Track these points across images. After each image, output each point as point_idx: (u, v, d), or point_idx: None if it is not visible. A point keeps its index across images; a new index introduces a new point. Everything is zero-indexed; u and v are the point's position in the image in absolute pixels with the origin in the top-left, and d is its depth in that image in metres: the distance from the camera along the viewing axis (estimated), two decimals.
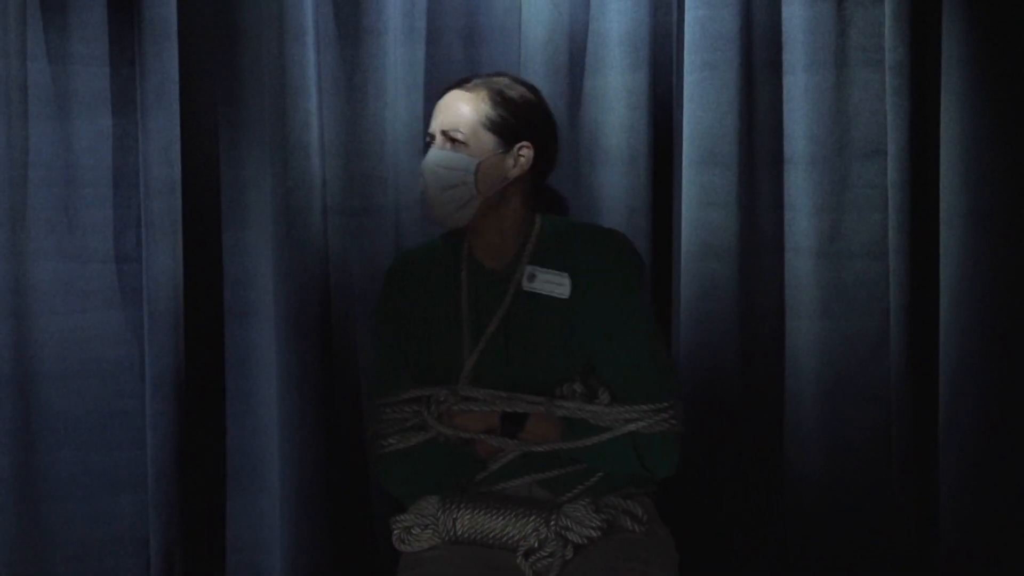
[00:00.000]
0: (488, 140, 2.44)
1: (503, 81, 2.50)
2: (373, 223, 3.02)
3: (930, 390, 2.87)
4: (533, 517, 2.36)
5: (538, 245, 2.48)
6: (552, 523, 2.34)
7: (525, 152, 2.46)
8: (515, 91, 2.48)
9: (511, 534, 2.36)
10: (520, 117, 2.46)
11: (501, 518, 2.38)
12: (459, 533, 2.39)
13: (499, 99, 2.45)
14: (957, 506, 2.84)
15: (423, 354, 2.48)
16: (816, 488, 2.95)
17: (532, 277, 2.45)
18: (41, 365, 2.93)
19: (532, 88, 2.53)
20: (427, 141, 2.49)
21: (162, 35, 2.88)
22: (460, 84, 2.49)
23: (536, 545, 2.34)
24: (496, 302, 2.46)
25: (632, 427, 2.37)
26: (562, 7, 2.98)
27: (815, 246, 2.94)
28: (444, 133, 2.44)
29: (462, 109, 2.45)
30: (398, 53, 3.01)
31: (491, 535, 2.38)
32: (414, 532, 2.41)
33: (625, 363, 2.41)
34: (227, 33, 2.94)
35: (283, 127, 2.92)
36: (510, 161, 2.46)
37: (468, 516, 2.39)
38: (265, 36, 2.91)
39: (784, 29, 2.95)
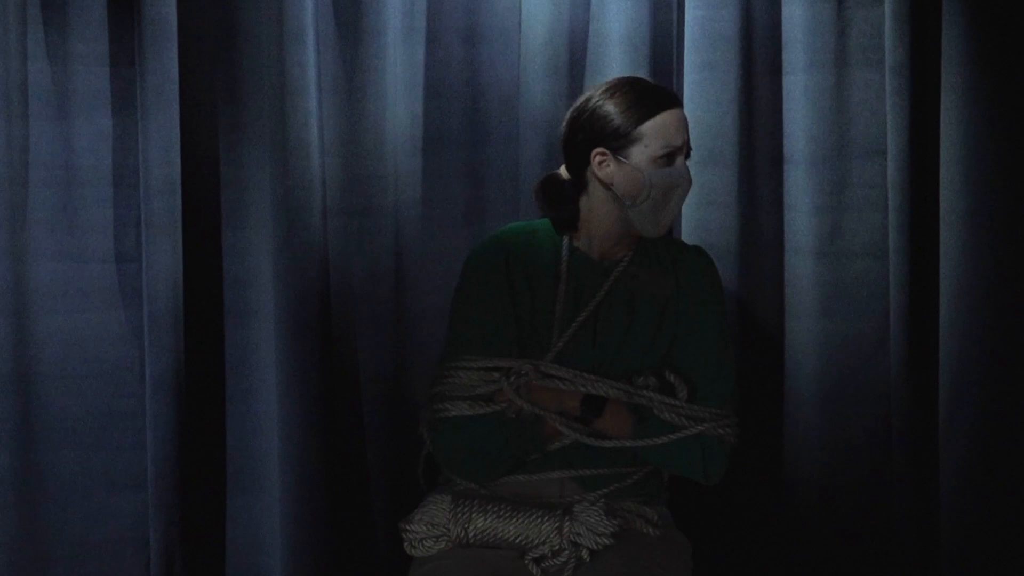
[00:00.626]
0: None
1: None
2: (373, 223, 3.02)
3: (930, 390, 2.87)
4: (546, 523, 2.36)
5: (641, 246, 2.57)
6: (565, 530, 2.34)
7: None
8: None
9: (523, 539, 2.36)
10: None
11: (513, 523, 2.38)
12: (471, 537, 2.38)
13: None
14: (957, 506, 2.84)
15: (513, 329, 2.50)
16: (816, 488, 2.95)
17: (635, 277, 2.54)
18: (41, 365, 2.93)
19: None
20: (666, 153, 2.50)
21: (162, 35, 2.88)
22: (679, 101, 2.57)
23: (548, 553, 2.34)
24: (593, 290, 2.52)
25: (701, 427, 2.44)
26: (562, 7, 2.98)
27: (815, 246, 2.94)
28: (688, 146, 2.54)
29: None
30: (398, 53, 3.01)
31: (503, 540, 2.37)
32: (426, 544, 2.41)
33: (704, 367, 2.50)
34: (227, 33, 2.94)
35: (283, 127, 2.92)
36: None
37: (480, 522, 2.39)
38: (265, 36, 2.91)
39: (784, 29, 2.95)
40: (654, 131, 2.48)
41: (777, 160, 2.98)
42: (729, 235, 2.96)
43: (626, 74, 2.96)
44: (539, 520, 2.37)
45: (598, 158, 2.51)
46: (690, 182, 2.55)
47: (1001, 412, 2.82)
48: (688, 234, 2.96)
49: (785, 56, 2.95)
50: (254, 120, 2.94)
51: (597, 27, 2.99)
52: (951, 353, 2.83)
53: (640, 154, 2.48)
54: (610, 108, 2.50)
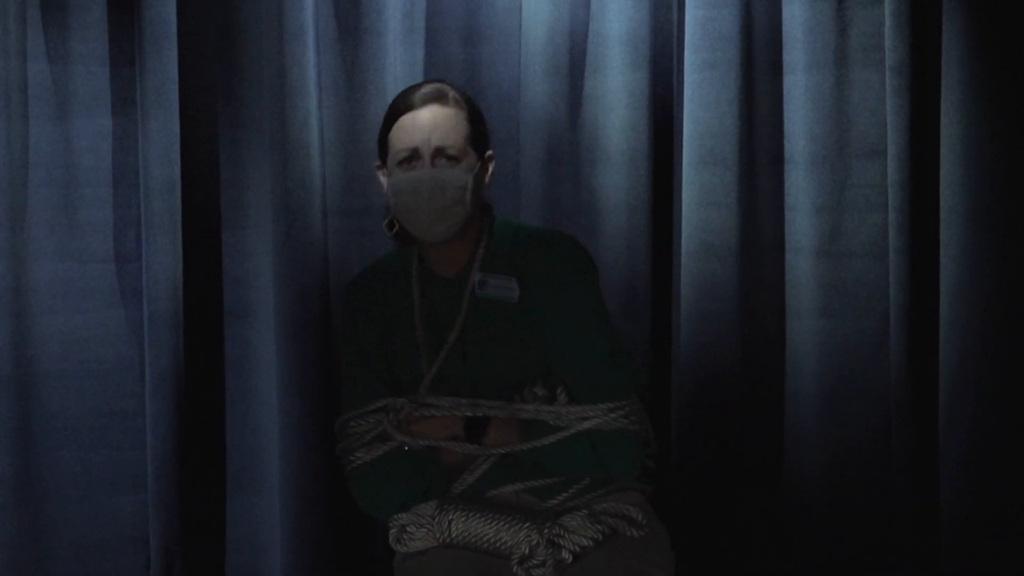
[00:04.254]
0: (471, 155, 2.44)
1: (457, 91, 2.48)
2: (373, 223, 3.01)
3: (930, 390, 2.87)
4: (527, 525, 2.36)
5: (488, 251, 2.48)
6: (546, 531, 2.34)
7: (491, 159, 2.49)
8: (472, 100, 2.49)
9: (504, 540, 2.36)
10: (483, 125, 2.49)
11: (495, 524, 2.38)
12: (454, 536, 2.39)
13: (473, 112, 2.46)
14: (957, 506, 2.84)
15: (387, 369, 2.48)
16: (816, 488, 2.95)
17: (483, 284, 2.46)
18: (41, 365, 2.93)
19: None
20: (403, 158, 2.41)
21: (162, 35, 2.88)
22: (434, 99, 2.44)
23: (527, 552, 2.34)
24: (452, 310, 2.46)
25: (586, 425, 2.38)
26: (562, 7, 2.98)
27: (815, 246, 2.94)
28: (439, 150, 2.41)
29: (451, 126, 2.42)
30: (398, 53, 3.01)
31: (484, 540, 2.37)
32: (409, 531, 2.41)
33: (578, 364, 2.42)
34: (227, 33, 2.94)
35: (283, 127, 2.92)
36: (484, 171, 2.47)
37: (463, 520, 2.39)
38: (265, 36, 2.91)
39: (784, 29, 2.95)
40: (395, 138, 2.42)
41: (777, 160, 2.98)
42: (729, 235, 2.96)
43: (626, 74, 2.97)
44: (520, 522, 2.37)
45: (378, 171, 2.50)
46: (431, 183, 2.38)
47: (1001, 411, 2.82)
48: (688, 234, 2.96)
49: (785, 56, 2.95)
50: (254, 120, 2.94)
51: (597, 27, 2.99)
52: (951, 353, 2.83)
53: (391, 161, 2.44)
54: (382, 120, 2.48)
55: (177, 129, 2.91)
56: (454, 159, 2.42)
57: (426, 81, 2.59)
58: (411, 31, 3.02)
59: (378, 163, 2.48)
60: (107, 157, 2.96)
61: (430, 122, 2.42)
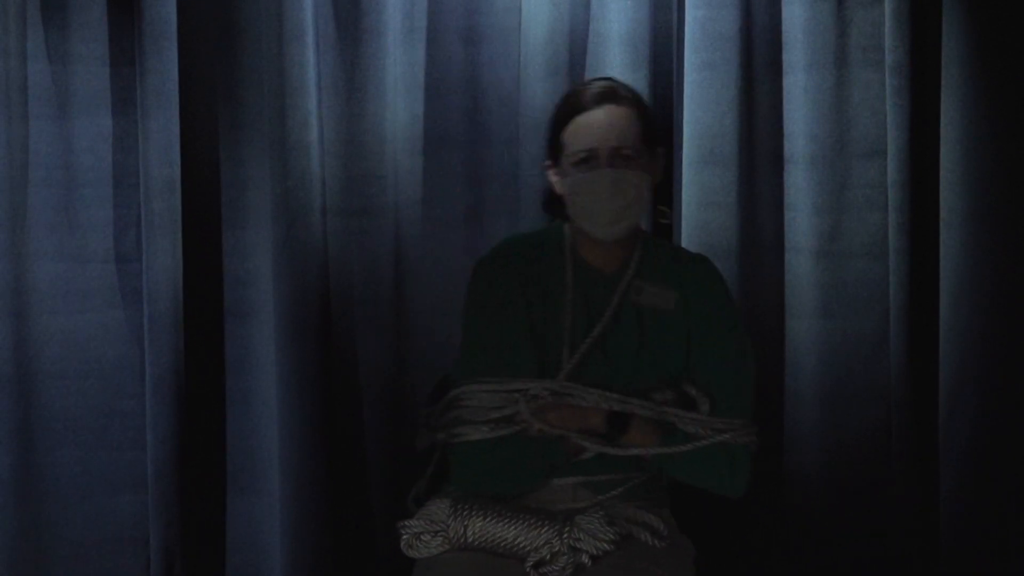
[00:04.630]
0: (645, 152, 2.46)
1: (626, 88, 2.51)
2: (373, 223, 3.02)
3: (930, 390, 2.88)
4: (545, 528, 2.35)
5: (644, 256, 2.52)
6: (565, 535, 2.34)
7: (662, 155, 2.52)
8: (640, 96, 2.52)
9: (522, 544, 2.36)
10: (655, 123, 2.52)
11: (513, 527, 2.36)
12: (470, 540, 2.37)
13: (644, 109, 2.49)
14: (957, 506, 2.84)
15: (522, 344, 2.46)
16: (816, 487, 2.96)
17: (640, 290, 2.49)
18: (41, 365, 2.93)
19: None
20: (581, 158, 2.43)
21: (162, 35, 2.88)
22: (608, 98, 2.46)
23: (548, 558, 2.34)
24: (602, 306, 2.48)
25: (725, 437, 2.41)
26: (562, 7, 2.98)
27: (815, 246, 2.94)
28: (617, 151, 2.43)
29: (626, 126, 2.44)
30: (398, 53, 3.01)
31: (502, 544, 2.36)
32: (424, 539, 2.40)
33: (726, 379, 2.46)
34: (227, 33, 2.94)
35: (283, 127, 2.92)
36: (656, 168, 2.51)
37: (480, 523, 2.37)
38: (265, 36, 2.91)
39: (784, 29, 2.95)
40: (571, 136, 2.45)
41: (777, 160, 2.98)
42: (729, 235, 2.96)
43: (626, 74, 2.97)
44: (539, 525, 2.36)
45: (549, 170, 2.52)
46: (611, 184, 2.41)
47: (1001, 412, 2.82)
48: (688, 234, 2.96)
49: (785, 56, 2.95)
50: (254, 120, 2.94)
51: (597, 27, 2.99)
52: (951, 353, 2.84)
53: (566, 161, 2.46)
54: (552, 118, 2.51)
55: (177, 129, 2.91)
56: (631, 158, 2.44)
57: (594, 79, 2.61)
58: (411, 31, 3.02)
59: (548, 163, 2.51)
60: (107, 157, 2.96)
61: (606, 122, 2.44)
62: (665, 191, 3.03)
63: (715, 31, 2.94)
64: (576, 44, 3.00)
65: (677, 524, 2.56)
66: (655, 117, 2.54)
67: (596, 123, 2.44)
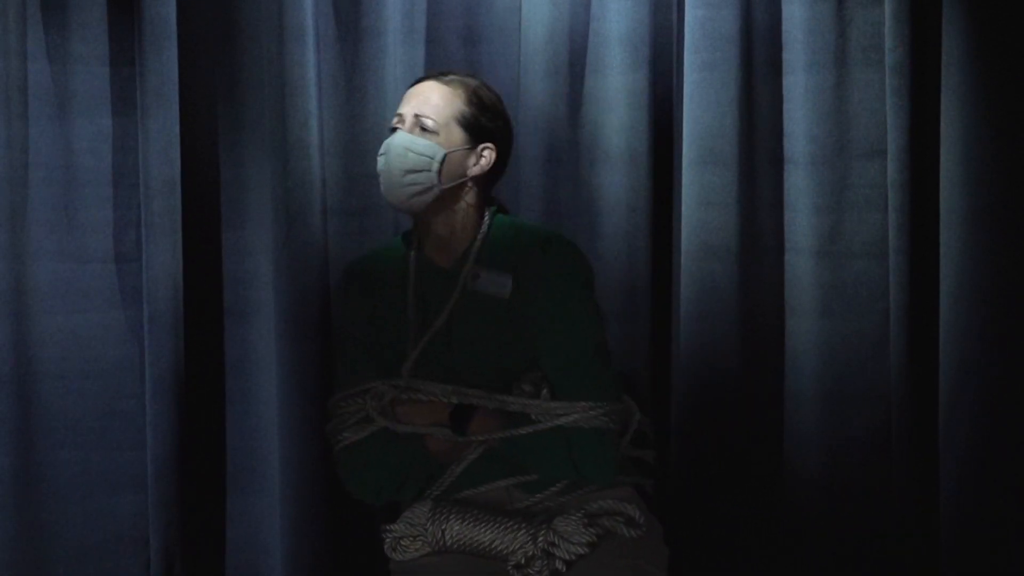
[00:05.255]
0: (457, 134, 2.52)
1: (476, 82, 2.58)
2: (373, 223, 3.02)
3: (930, 390, 2.87)
4: (522, 531, 2.36)
5: (485, 245, 2.55)
6: (540, 539, 2.34)
7: (487, 153, 2.55)
8: (487, 94, 2.57)
9: (498, 546, 2.37)
10: (489, 119, 2.55)
11: (490, 530, 2.38)
12: (448, 543, 2.38)
13: (474, 98, 2.54)
14: (957, 506, 2.84)
15: (377, 350, 2.54)
16: (816, 488, 2.95)
17: (475, 277, 2.52)
18: (41, 365, 2.93)
19: (499, 96, 2.62)
20: (393, 124, 2.55)
21: (162, 35, 2.88)
22: (437, 76, 2.57)
23: (523, 562, 2.34)
24: (443, 299, 2.52)
25: (563, 420, 2.41)
26: (562, 7, 2.98)
27: (815, 246, 2.93)
28: (416, 117, 2.52)
29: (438, 99, 2.53)
30: (398, 53, 3.01)
31: (479, 546, 2.37)
32: (404, 543, 2.42)
33: (562, 363, 2.47)
34: (227, 33, 2.94)
35: (283, 127, 2.92)
36: (473, 159, 2.54)
37: (457, 526, 2.39)
38: (265, 36, 2.91)
39: (784, 29, 2.94)
40: None
41: (777, 160, 2.97)
42: (729, 235, 2.96)
43: (626, 74, 2.98)
44: (515, 528, 2.37)
45: None
46: (397, 153, 2.50)
47: (1001, 412, 2.82)
48: (688, 234, 2.96)
49: (785, 56, 2.95)
50: (254, 120, 2.94)
51: (597, 27, 2.99)
52: (951, 353, 2.83)
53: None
54: None
55: (177, 129, 2.91)
56: (431, 131, 2.51)
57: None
58: (411, 31, 3.02)
59: None
60: (107, 157, 2.95)
61: (418, 92, 2.55)
62: (665, 191, 3.03)
63: (715, 31, 2.94)
64: (576, 44, 3.00)
65: (676, 522, 2.57)
66: (500, 118, 2.58)
67: (412, 92, 2.56)
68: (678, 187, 2.98)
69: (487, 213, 2.57)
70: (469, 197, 2.56)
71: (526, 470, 2.47)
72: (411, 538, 2.41)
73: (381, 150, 2.54)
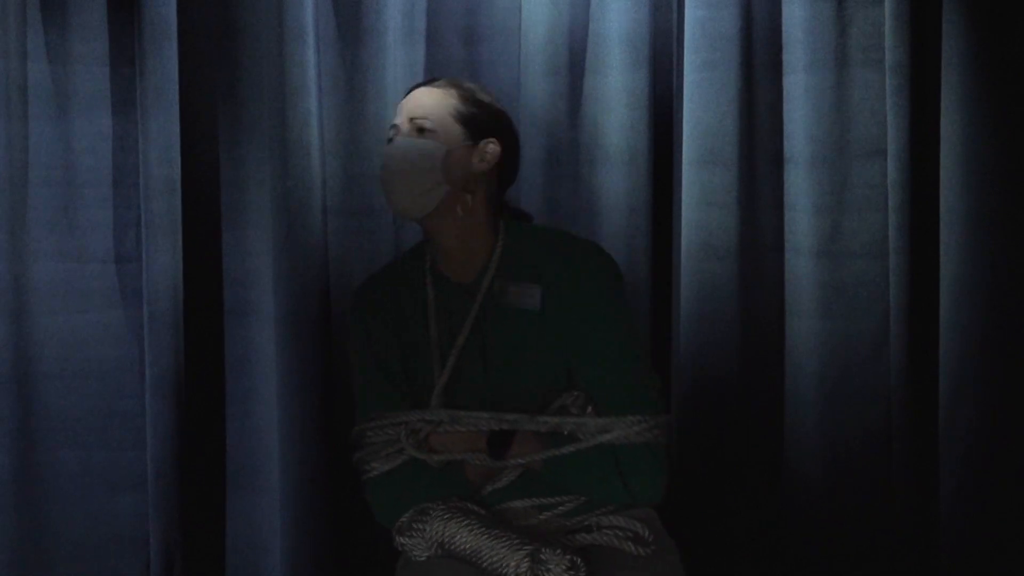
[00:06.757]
0: (456, 130, 2.41)
1: (471, 84, 2.49)
2: (373, 223, 3.02)
3: (930, 390, 2.87)
4: (518, 552, 2.25)
5: (505, 255, 2.42)
6: (524, 567, 2.22)
7: (491, 148, 2.43)
8: (483, 94, 2.48)
9: (489, 559, 2.27)
10: (487, 114, 2.45)
11: (487, 543, 2.27)
12: (447, 546, 2.30)
13: (467, 95, 2.45)
14: (957, 506, 2.84)
15: (403, 376, 2.41)
16: (816, 488, 2.95)
17: (503, 292, 2.39)
18: (41, 365, 2.93)
19: (492, 94, 2.52)
20: (389, 136, 2.45)
21: (162, 35, 2.88)
22: (425, 83, 2.50)
23: None
24: (465, 317, 2.40)
25: (607, 437, 2.29)
26: (562, 7, 2.98)
27: (815, 246, 2.93)
28: (412, 120, 2.41)
29: (430, 100, 2.43)
30: (398, 53, 3.01)
31: (473, 557, 2.28)
32: (412, 537, 2.37)
33: (602, 376, 2.34)
34: (227, 33, 2.94)
35: (283, 127, 2.92)
36: (476, 156, 2.42)
37: (454, 530, 2.30)
38: (265, 36, 2.91)
39: (784, 29, 2.94)
40: None
41: (777, 160, 2.97)
42: (729, 235, 2.96)
43: (626, 74, 2.98)
44: (517, 547, 2.22)
45: None
46: (398, 160, 2.39)
47: (1001, 412, 2.82)
48: (688, 234, 2.96)
49: (785, 56, 2.95)
50: (254, 120, 2.94)
51: (597, 27, 2.99)
52: (951, 353, 2.83)
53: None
54: None
55: (177, 129, 2.91)
56: (429, 131, 2.40)
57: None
58: (411, 31, 3.02)
59: None
60: (107, 157, 2.96)
61: (410, 98, 2.46)
62: (665, 191, 3.03)
63: (715, 31, 2.94)
64: (576, 44, 3.00)
65: (675, 522, 2.55)
66: (491, 111, 2.46)
67: (405, 101, 2.46)
68: (678, 187, 2.98)
69: (501, 222, 2.44)
70: (479, 203, 2.42)
71: (546, 491, 2.35)
72: (419, 534, 2.36)
73: (381, 163, 2.43)
